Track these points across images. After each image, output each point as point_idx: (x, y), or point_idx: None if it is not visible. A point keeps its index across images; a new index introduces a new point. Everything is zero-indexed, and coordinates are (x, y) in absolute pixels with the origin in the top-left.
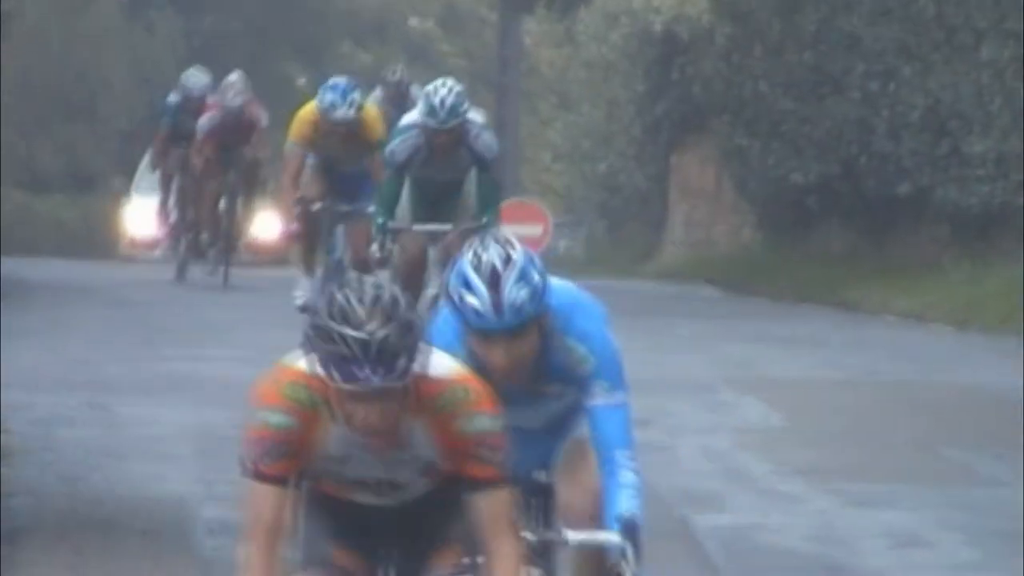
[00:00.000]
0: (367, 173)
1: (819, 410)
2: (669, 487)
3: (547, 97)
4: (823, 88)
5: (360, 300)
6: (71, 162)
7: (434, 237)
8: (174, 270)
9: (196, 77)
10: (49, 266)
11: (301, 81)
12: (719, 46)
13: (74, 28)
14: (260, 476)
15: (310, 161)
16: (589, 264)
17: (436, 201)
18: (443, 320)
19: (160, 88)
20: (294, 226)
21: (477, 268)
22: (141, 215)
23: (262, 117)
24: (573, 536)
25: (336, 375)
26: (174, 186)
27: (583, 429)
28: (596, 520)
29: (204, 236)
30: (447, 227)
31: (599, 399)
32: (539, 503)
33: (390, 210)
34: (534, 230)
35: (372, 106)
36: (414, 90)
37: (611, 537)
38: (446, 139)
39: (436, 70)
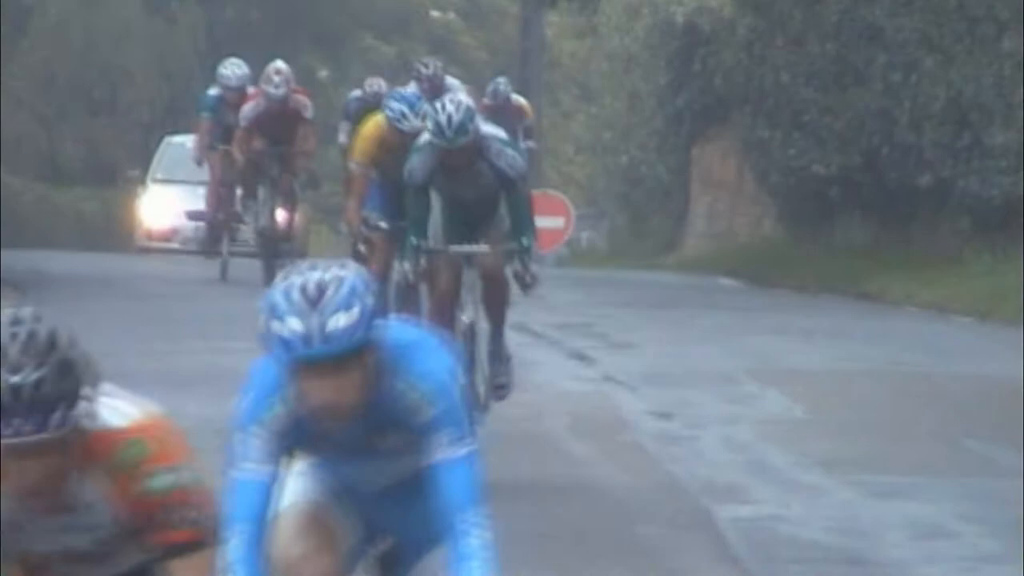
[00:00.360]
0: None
1: (841, 402)
2: (691, 478)
3: (569, 89)
4: (845, 79)
5: (13, 338)
6: (92, 155)
7: (469, 259)
8: (218, 268)
9: (234, 68)
10: (69, 258)
11: (323, 74)
12: (741, 37)
13: (95, 21)
14: None
15: (375, 180)
16: (611, 256)
17: (469, 221)
18: (263, 364)
19: (181, 80)
20: (362, 248)
21: (296, 289)
22: (157, 205)
23: (307, 107)
24: None
25: None
26: (216, 181)
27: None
28: None
29: (243, 231)
30: (484, 248)
31: (441, 453)
32: None
33: (422, 230)
34: (556, 222)
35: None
36: (450, 83)
37: None
38: (459, 158)
39: (458, 63)
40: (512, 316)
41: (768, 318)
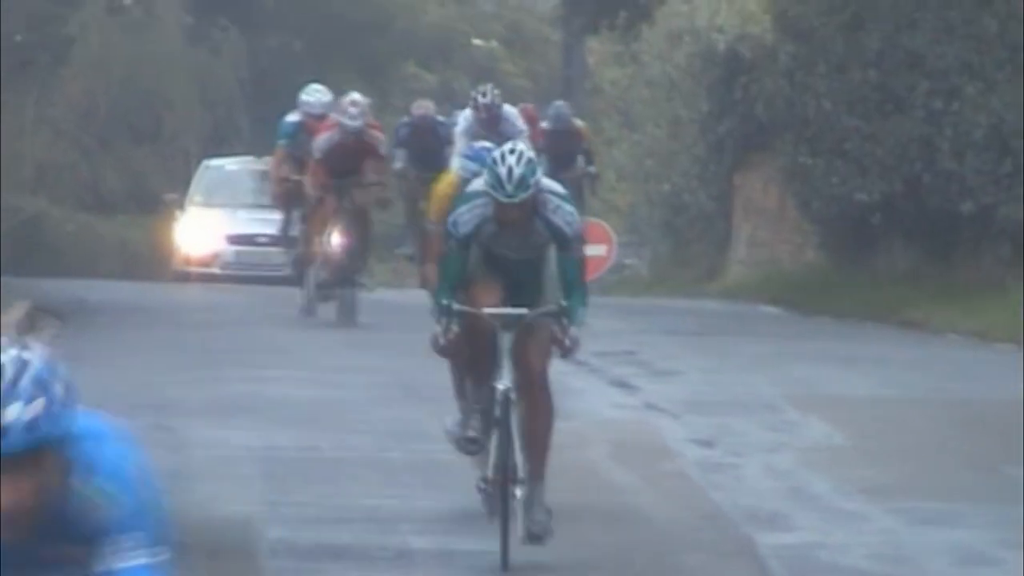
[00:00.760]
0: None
1: (882, 429)
2: (733, 506)
3: (611, 116)
4: (887, 107)
5: None
6: (135, 184)
7: (506, 323)
8: (303, 302)
9: (318, 95)
10: (112, 287)
11: None
12: (782, 65)
13: (137, 50)
14: None
15: None
16: (653, 283)
17: (509, 281)
18: None
19: (224, 109)
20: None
21: None
22: (196, 230)
23: (381, 143)
24: None
25: None
26: (296, 215)
27: None
28: None
29: (322, 271)
30: (522, 311)
31: (119, 560)
32: None
33: (454, 289)
34: (598, 250)
35: None
36: (507, 111)
37: None
38: (517, 214)
39: (500, 90)
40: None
41: (810, 346)
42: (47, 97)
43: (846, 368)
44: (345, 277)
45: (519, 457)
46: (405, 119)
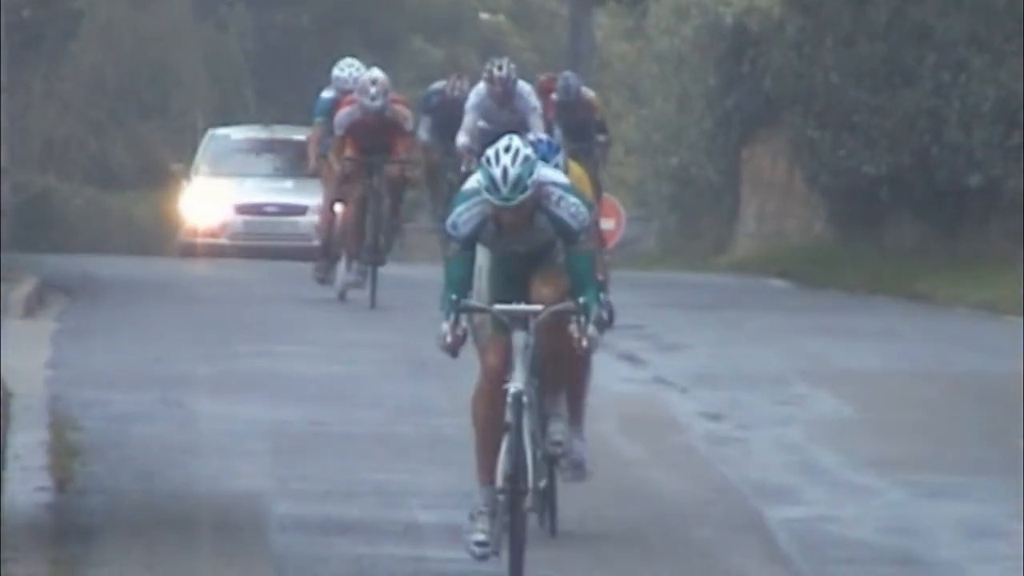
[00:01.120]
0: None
1: (891, 402)
2: (742, 479)
3: (619, 91)
4: (894, 79)
5: None
6: (142, 158)
7: (518, 320)
8: (336, 287)
9: (350, 69)
10: (120, 263)
11: None
12: (790, 38)
13: (145, 25)
14: None
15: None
16: (662, 257)
17: (519, 276)
18: None
19: (231, 84)
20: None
21: None
22: (203, 200)
23: (407, 119)
24: None
25: None
26: (329, 195)
27: None
28: None
29: (347, 249)
30: (536, 308)
31: None
32: None
33: (463, 290)
34: (607, 224)
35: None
36: (521, 87)
37: None
38: (516, 216)
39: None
40: None
41: (818, 319)
42: (55, 72)
43: (854, 341)
44: (369, 259)
45: (530, 459)
46: (437, 85)
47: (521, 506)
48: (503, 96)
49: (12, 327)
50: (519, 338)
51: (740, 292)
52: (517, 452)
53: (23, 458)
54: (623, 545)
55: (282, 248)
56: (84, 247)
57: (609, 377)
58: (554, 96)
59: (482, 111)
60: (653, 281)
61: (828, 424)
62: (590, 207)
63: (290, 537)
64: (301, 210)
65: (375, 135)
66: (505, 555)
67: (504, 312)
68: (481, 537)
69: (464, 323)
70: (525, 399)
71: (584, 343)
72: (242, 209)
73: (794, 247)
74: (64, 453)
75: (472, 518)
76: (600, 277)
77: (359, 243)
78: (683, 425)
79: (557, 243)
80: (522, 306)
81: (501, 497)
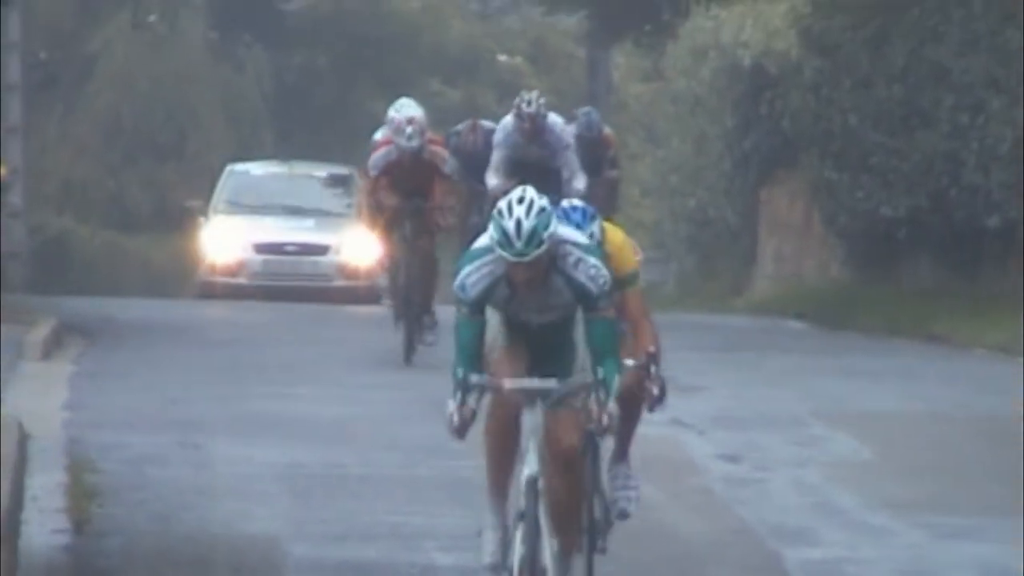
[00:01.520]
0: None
1: (909, 444)
2: (759, 521)
3: (635, 132)
4: (912, 121)
5: None
6: (160, 200)
7: (532, 398)
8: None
9: (407, 109)
10: (138, 305)
11: None
12: (808, 80)
13: (161, 67)
14: None
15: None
16: (680, 299)
17: (535, 349)
18: None
19: (248, 126)
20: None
21: None
22: (221, 238)
23: (445, 161)
24: None
25: None
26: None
27: None
28: None
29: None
30: (551, 384)
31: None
32: None
33: (472, 360)
34: None
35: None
36: (552, 120)
37: None
38: (530, 273)
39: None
40: None
41: (836, 360)
42: (71, 114)
43: (872, 383)
44: (409, 312)
45: (549, 553)
46: (458, 127)
47: None
48: (532, 132)
49: (30, 370)
50: (530, 419)
51: (758, 333)
52: (533, 540)
53: (41, 500)
54: None
55: (302, 289)
56: (101, 289)
57: None
58: (573, 129)
59: (510, 147)
60: (670, 323)
61: (846, 465)
62: (633, 278)
63: None
64: (322, 250)
65: (411, 177)
66: None
67: (516, 390)
68: (489, 560)
69: (472, 403)
70: (540, 485)
71: (604, 420)
72: (261, 248)
73: (812, 288)
74: (81, 495)
75: (479, 534)
76: (652, 349)
77: (398, 299)
78: (700, 467)
79: (575, 317)
80: (535, 383)
81: None
